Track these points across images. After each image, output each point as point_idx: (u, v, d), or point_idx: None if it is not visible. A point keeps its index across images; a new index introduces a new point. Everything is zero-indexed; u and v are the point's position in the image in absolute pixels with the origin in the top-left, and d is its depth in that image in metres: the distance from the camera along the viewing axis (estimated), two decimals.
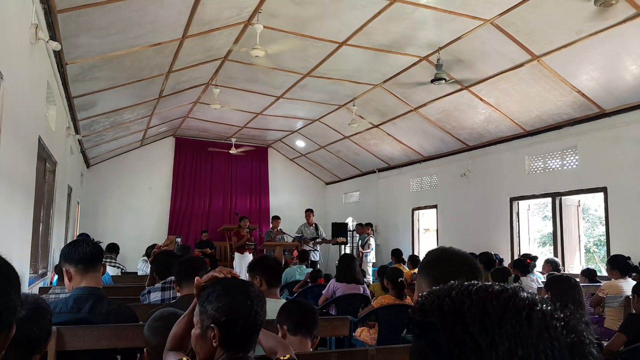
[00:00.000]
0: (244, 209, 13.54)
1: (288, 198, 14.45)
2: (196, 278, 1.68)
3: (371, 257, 11.01)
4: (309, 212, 10.78)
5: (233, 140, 12.31)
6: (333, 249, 12.46)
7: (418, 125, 9.37)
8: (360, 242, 11.37)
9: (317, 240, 10.61)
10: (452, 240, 9.63)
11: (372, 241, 11.15)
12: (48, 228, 6.09)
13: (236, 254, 10.29)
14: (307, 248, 9.88)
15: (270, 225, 11.10)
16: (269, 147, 14.41)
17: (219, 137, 13.16)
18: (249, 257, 9.98)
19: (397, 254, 8.95)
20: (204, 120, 11.49)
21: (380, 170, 12.41)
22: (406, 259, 8.83)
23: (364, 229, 11.33)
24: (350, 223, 13.44)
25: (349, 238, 12.15)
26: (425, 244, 11.20)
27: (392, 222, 11.98)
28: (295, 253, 9.22)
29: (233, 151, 11.57)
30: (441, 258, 1.56)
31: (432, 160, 10.58)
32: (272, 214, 13.03)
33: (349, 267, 5.52)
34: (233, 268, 9.72)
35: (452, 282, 0.67)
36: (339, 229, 11.58)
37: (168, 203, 13.11)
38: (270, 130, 12.27)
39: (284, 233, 10.49)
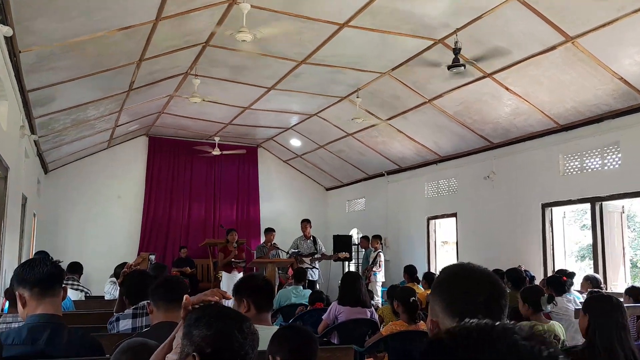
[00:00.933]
0: (230, 220, 13.44)
1: (282, 207, 14.30)
2: (185, 297, 1.73)
3: (380, 275, 10.98)
4: (305, 223, 10.75)
5: (216, 139, 12.20)
6: (335, 266, 12.31)
7: (433, 119, 9.38)
8: (366, 258, 11.32)
9: (316, 256, 10.58)
10: (474, 255, 9.61)
11: (381, 257, 11.10)
12: None
13: (223, 274, 10.20)
14: (304, 265, 9.86)
15: (262, 239, 11.01)
16: (259, 147, 14.22)
17: (199, 136, 13.08)
18: (238, 277, 9.25)
19: (410, 271, 8.82)
20: (181, 117, 11.40)
21: (390, 172, 12.35)
22: (421, 277, 8.65)
23: (371, 242, 11.31)
24: (355, 235, 13.32)
25: (353, 253, 12.09)
26: (443, 259, 11.19)
27: (404, 234, 11.92)
28: (291, 271, 9.11)
29: (216, 152, 11.44)
30: (458, 275, 1.58)
31: (450, 161, 10.58)
32: (262, 225, 12.84)
33: (354, 288, 5.54)
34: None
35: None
36: (342, 243, 11.49)
37: (140, 214, 12.99)
38: (260, 127, 12.12)
39: (278, 248, 10.45)
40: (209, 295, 1.74)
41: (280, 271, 10.11)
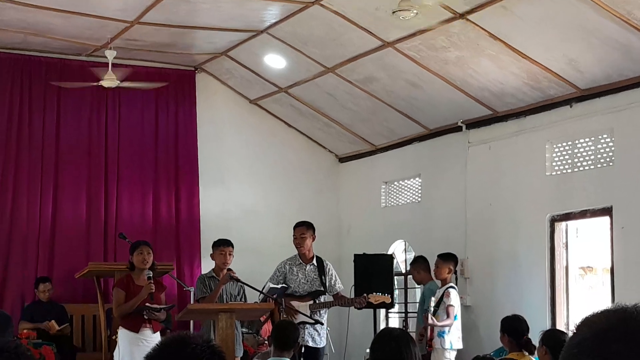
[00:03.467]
0: (141, 223, 10.69)
1: (249, 196, 11.53)
2: None
3: (453, 336, 8.90)
4: (302, 229, 8.92)
5: (109, 55, 9.34)
6: (359, 318, 10.06)
7: (564, 13, 8.13)
8: (424, 302, 9.43)
9: (322, 299, 8.87)
10: None
11: (454, 298, 8.89)
12: None
13: (121, 333, 8.40)
14: (298, 319, 8.33)
15: (207, 265, 9.82)
16: (199, 72, 11.41)
17: (75, 49, 10.72)
18: (154, 339, 8.15)
19: (513, 328, 7.22)
20: (36, 7, 9.15)
21: (473, 124, 9.87)
22: (537, 342, 6.82)
23: (435, 269, 9.21)
24: (400, 255, 10.99)
25: (396, 292, 9.98)
26: (585, 303, 9.29)
27: (503, 252, 9.61)
28: (268, 329, 8.41)
29: (109, 82, 9.15)
30: (616, 334, 1.23)
31: (599, 99, 8.62)
32: (207, 234, 10.44)
33: None
34: None
35: None
36: (373, 271, 9.51)
37: None
38: (200, 29, 9.87)
39: (240, 281, 8.64)
40: None
41: (245, 329, 9.06)
